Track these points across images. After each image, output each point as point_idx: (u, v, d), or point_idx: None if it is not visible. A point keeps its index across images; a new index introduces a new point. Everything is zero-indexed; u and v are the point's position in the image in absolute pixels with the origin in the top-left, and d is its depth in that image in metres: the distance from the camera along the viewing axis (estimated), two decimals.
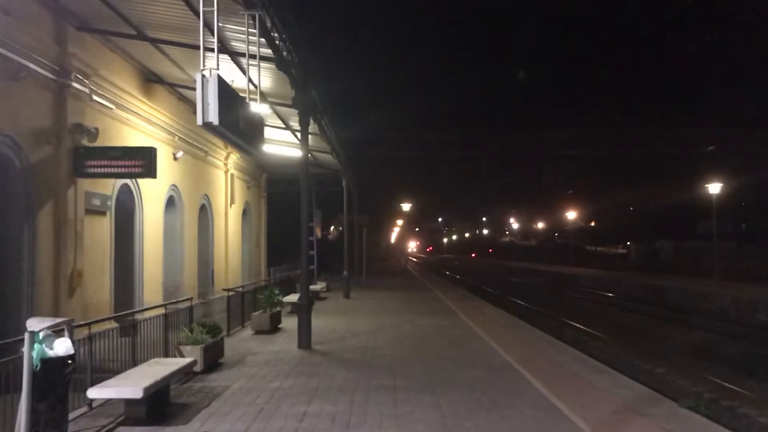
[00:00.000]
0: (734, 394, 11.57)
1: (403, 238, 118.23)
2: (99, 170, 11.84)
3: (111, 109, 13.24)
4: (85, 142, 11.89)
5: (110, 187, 13.42)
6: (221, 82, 6.65)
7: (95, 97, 12.51)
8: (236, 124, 7.37)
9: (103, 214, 13.13)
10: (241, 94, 9.28)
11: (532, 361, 10.94)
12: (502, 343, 12.92)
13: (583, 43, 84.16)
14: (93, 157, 11.78)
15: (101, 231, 13.04)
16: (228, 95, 7.02)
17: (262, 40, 9.80)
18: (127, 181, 14.14)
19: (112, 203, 13.49)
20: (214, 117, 6.49)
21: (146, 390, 7.02)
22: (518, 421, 7.25)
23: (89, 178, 11.99)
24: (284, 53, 11.14)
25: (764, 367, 14.15)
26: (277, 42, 10.53)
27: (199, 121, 6.58)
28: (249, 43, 9.41)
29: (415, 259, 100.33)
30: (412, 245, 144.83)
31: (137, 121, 14.57)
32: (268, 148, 19.81)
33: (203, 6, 7.24)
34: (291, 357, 11.65)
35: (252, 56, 9.86)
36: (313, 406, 8.05)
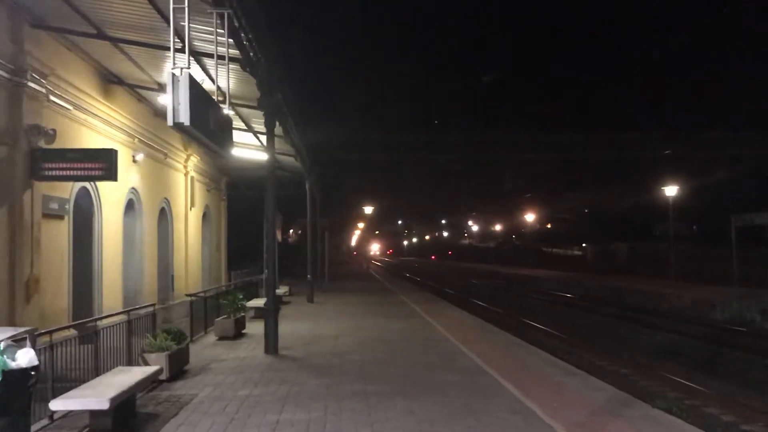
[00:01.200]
0: (697, 394, 11.76)
1: (364, 241, 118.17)
2: (57, 173, 11.43)
3: (69, 110, 12.83)
4: (42, 143, 11.46)
5: (68, 190, 12.99)
6: (192, 81, 6.45)
7: (52, 98, 12.09)
8: (207, 125, 7.17)
9: (61, 218, 12.70)
10: None
11: (502, 363, 10.95)
12: (471, 346, 12.91)
13: (547, 48, 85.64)
14: (51, 159, 11.37)
15: (59, 236, 12.61)
16: (199, 95, 6.83)
17: (230, 40, 9.59)
18: (86, 184, 13.72)
19: (70, 207, 13.07)
20: (185, 117, 6.29)
21: (113, 400, 6.76)
22: (494, 425, 7.21)
23: (47, 181, 11.56)
24: (251, 54, 10.93)
25: (724, 367, 14.46)
26: (245, 42, 10.32)
27: (170, 122, 6.37)
28: (218, 44, 9.18)
29: (377, 263, 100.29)
30: (375, 248, 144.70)
31: (96, 123, 14.16)
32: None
33: (173, 3, 7.01)
34: (258, 363, 11.43)
35: (221, 57, 9.64)
36: (286, 414, 7.88)
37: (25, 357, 5.37)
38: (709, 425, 9.59)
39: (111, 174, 11.67)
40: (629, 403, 8.31)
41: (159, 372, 8.78)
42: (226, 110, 9.24)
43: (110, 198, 15.09)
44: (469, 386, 9.27)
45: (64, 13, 11.10)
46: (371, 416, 7.70)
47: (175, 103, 6.31)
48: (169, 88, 6.35)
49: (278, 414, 7.88)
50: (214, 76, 10.31)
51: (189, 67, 6.56)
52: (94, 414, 6.99)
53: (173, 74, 6.36)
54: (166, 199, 20.01)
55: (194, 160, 22.39)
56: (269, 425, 7.38)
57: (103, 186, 14.41)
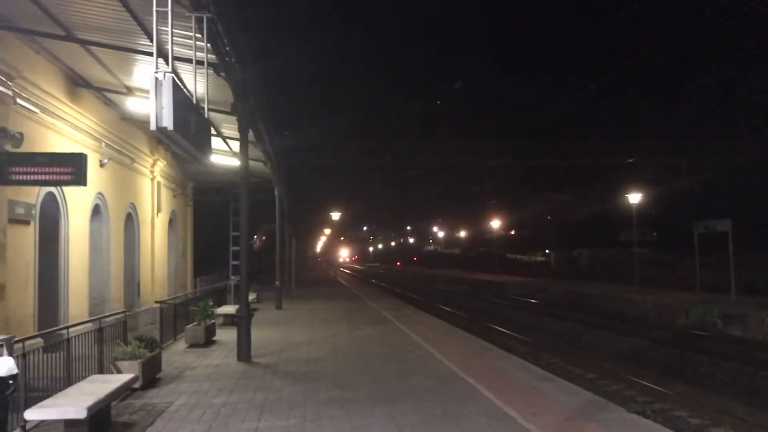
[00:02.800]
0: (664, 397, 12.01)
1: (330, 247, 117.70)
2: (25, 177, 11.09)
3: (36, 113, 12.55)
4: (9, 147, 11.20)
5: (35, 195, 12.70)
6: (175, 86, 6.39)
7: (19, 101, 11.83)
8: (188, 130, 7.10)
9: (27, 223, 12.41)
10: None
11: (476, 369, 11.03)
12: (444, 351, 12.98)
13: (515, 56, 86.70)
14: (18, 163, 11.05)
15: (25, 241, 12.32)
16: (181, 100, 6.75)
17: (208, 45, 9.51)
18: (52, 189, 13.43)
19: (36, 212, 12.77)
20: (168, 122, 6.21)
21: (90, 409, 6.63)
22: (475, 431, 7.26)
23: (14, 185, 11.25)
24: (227, 59, 10.85)
25: (690, 370, 14.79)
26: (224, 48, 10.25)
27: (153, 126, 6.28)
28: (196, 48, 9.09)
29: (344, 270, 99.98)
30: (344, 254, 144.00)
31: (63, 127, 13.88)
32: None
33: (156, 6, 6.93)
34: (232, 370, 11.31)
35: (199, 62, 9.54)
36: (264, 421, 7.82)
37: (4, 366, 5.24)
38: (679, 428, 9.80)
39: (80, 179, 11.40)
40: (604, 407, 8.45)
41: (134, 380, 8.64)
42: (204, 116, 9.15)
43: (77, 203, 14.80)
44: (445, 392, 9.32)
45: (32, 14, 10.88)
46: (351, 423, 7.69)
47: (158, 108, 6.22)
48: (151, 93, 6.27)
49: (257, 421, 7.82)
50: (188, 80, 10.19)
51: (172, 72, 6.48)
52: (69, 423, 6.83)
53: (156, 78, 6.28)
54: (132, 204, 19.69)
55: (161, 164, 22.10)
56: None
57: (70, 191, 14.12)
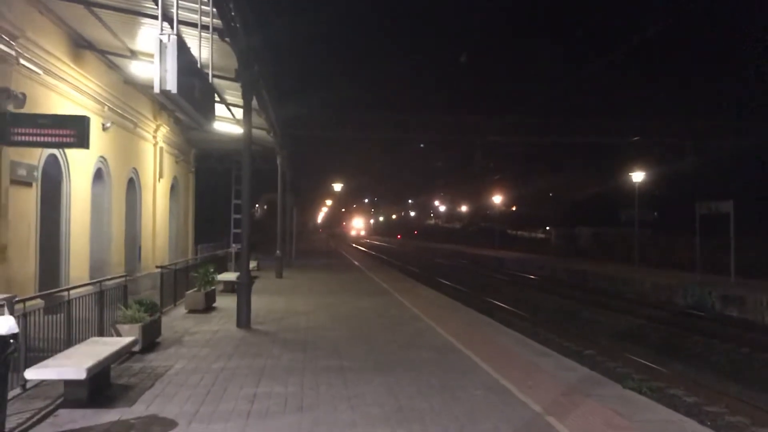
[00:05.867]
0: (660, 376, 12.06)
1: (333, 218, 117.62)
2: (27, 138, 11.09)
3: (39, 74, 12.46)
4: (11, 108, 11.14)
5: (37, 157, 12.67)
6: (180, 48, 6.31)
7: (22, 61, 11.73)
8: (192, 94, 7.03)
9: (29, 185, 12.39)
10: None
11: (474, 342, 11.09)
12: (442, 324, 13.04)
13: (523, 32, 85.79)
14: (21, 124, 11.03)
15: (27, 203, 12.32)
16: (186, 63, 6.68)
17: (212, 9, 9.39)
18: (55, 151, 13.39)
19: (38, 174, 12.75)
20: (172, 85, 6.14)
21: (89, 370, 6.68)
22: (471, 403, 7.31)
23: (16, 146, 11.24)
24: (232, 24, 10.73)
25: (686, 350, 14.88)
26: (231, 13, 10.13)
27: (156, 89, 6.22)
28: (201, 13, 8.97)
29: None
30: (357, 224, 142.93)
31: (66, 89, 13.79)
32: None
33: None
34: (231, 337, 11.38)
35: (204, 27, 9.42)
36: (263, 387, 7.88)
37: (5, 325, 5.25)
38: (673, 406, 9.86)
39: (83, 141, 11.39)
40: (601, 383, 8.50)
41: (134, 343, 8.70)
42: (209, 81, 9.07)
43: (79, 166, 14.77)
44: (443, 363, 9.37)
45: None
46: (348, 390, 7.75)
47: (162, 71, 6.15)
48: (156, 55, 6.19)
49: (255, 387, 7.88)
50: (192, 46, 10.07)
51: (177, 34, 6.40)
52: (69, 384, 6.90)
53: (161, 40, 6.20)
54: (134, 169, 19.66)
55: (164, 130, 22.01)
56: (247, 398, 7.38)
57: (72, 154, 14.09)
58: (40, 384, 7.52)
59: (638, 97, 49.91)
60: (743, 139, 35.11)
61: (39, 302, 8.83)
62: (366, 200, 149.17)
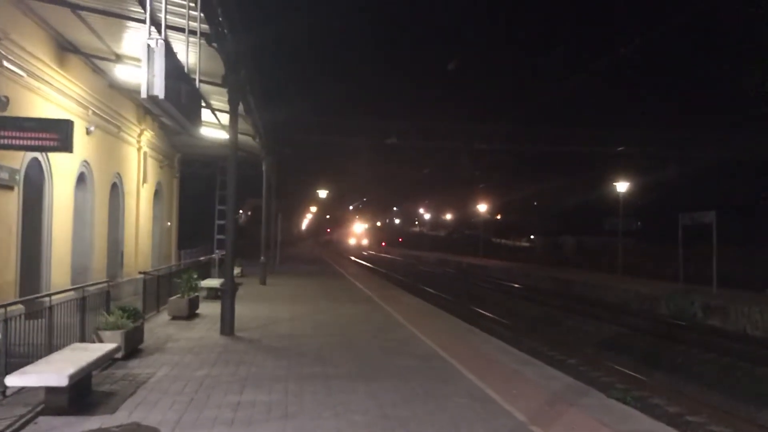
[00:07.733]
0: (643, 385, 12.13)
1: (319, 225, 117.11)
2: (10, 141, 10.88)
3: (22, 77, 12.33)
4: None
5: (19, 160, 12.52)
6: (168, 53, 6.27)
7: (6, 63, 11.62)
8: (179, 99, 6.99)
9: (11, 189, 12.23)
10: None
11: (458, 350, 11.09)
12: (426, 332, 13.03)
13: (511, 41, 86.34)
14: (3, 127, 10.83)
15: (8, 207, 12.16)
16: (173, 67, 6.64)
17: (200, 14, 9.36)
18: (37, 155, 13.23)
19: (20, 178, 12.60)
20: (159, 90, 6.10)
21: (71, 377, 6.59)
22: (455, 411, 7.31)
23: None
24: (220, 29, 10.70)
25: (668, 359, 14.97)
26: (219, 18, 10.10)
27: (144, 94, 6.17)
28: (189, 18, 8.93)
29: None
30: (359, 229, 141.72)
31: (50, 92, 13.66)
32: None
33: None
34: (214, 344, 11.30)
35: (192, 32, 9.38)
36: (247, 395, 7.82)
37: None
38: (657, 416, 9.91)
39: (67, 145, 11.23)
40: (585, 392, 8.53)
41: (117, 350, 8.60)
42: (195, 86, 9.03)
43: (62, 170, 14.62)
44: (427, 371, 9.36)
45: None
46: (333, 398, 7.71)
47: (149, 76, 6.10)
48: (143, 60, 6.15)
49: (239, 395, 7.82)
50: (179, 51, 10.03)
51: (165, 39, 6.36)
52: (50, 391, 6.80)
53: (148, 45, 6.16)
54: (118, 173, 19.50)
55: (148, 135, 21.86)
56: (230, 406, 7.32)
57: (55, 157, 13.94)
58: (21, 391, 7.41)
59: (624, 107, 50.37)
60: (726, 150, 35.51)
61: (20, 308, 8.72)
62: (350, 207, 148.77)
